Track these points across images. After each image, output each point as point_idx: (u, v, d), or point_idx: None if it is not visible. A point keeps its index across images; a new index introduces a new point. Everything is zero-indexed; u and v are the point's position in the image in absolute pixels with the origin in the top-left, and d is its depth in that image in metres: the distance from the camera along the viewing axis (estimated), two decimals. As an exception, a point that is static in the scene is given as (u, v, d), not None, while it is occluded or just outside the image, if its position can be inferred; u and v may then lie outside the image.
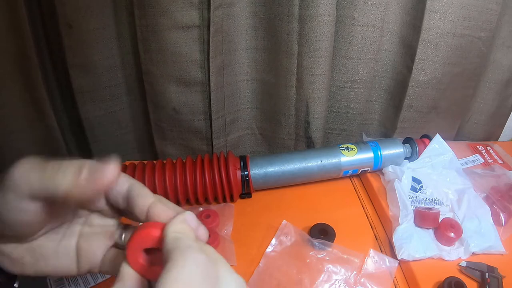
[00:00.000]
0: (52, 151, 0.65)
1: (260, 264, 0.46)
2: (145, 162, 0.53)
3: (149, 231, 0.24)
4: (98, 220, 0.29)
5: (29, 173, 0.23)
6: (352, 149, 0.57)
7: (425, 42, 0.60)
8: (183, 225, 0.24)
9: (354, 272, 0.45)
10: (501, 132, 0.76)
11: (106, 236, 0.28)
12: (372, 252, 0.48)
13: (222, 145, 0.68)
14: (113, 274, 0.26)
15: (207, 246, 0.24)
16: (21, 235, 0.26)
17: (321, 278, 0.44)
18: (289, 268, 0.45)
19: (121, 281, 0.23)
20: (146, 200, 0.25)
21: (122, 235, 0.28)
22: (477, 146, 0.71)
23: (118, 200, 0.26)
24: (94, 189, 0.23)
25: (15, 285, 0.28)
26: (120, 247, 0.28)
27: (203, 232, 0.26)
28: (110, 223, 0.29)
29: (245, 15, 0.59)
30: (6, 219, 0.24)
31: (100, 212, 0.28)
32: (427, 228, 0.50)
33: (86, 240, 0.28)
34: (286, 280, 0.44)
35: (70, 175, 0.23)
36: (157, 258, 0.24)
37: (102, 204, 0.27)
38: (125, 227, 0.29)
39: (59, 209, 0.26)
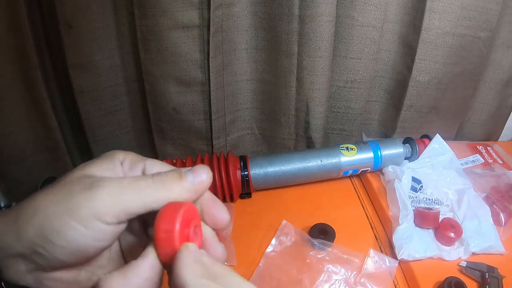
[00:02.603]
0: (52, 151, 0.65)
1: (260, 264, 0.46)
2: (145, 162, 0.53)
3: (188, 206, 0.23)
4: None
5: (121, 195, 0.21)
6: (352, 149, 0.57)
7: (425, 42, 0.60)
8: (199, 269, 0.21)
9: (354, 272, 0.45)
10: (501, 132, 0.76)
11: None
12: (372, 252, 0.48)
13: (222, 145, 0.68)
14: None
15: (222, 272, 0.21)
16: (85, 261, 0.23)
17: (321, 278, 0.44)
18: (289, 268, 0.45)
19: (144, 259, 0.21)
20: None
21: None
22: (477, 146, 0.71)
23: None
24: (199, 192, 0.24)
25: None
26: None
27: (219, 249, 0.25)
28: None
29: (245, 15, 0.59)
30: (71, 250, 0.21)
31: None
32: (427, 228, 0.50)
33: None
34: (286, 280, 0.44)
35: (176, 185, 0.23)
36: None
37: None
38: None
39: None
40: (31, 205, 0.22)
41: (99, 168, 0.24)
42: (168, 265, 0.21)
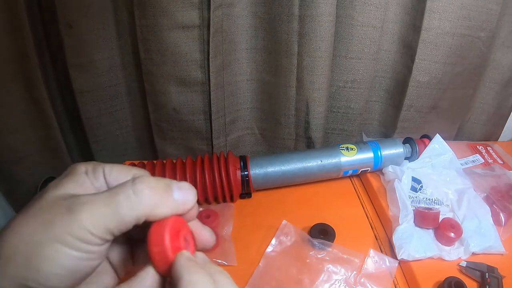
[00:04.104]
0: (52, 151, 0.65)
1: (260, 264, 0.46)
2: (145, 162, 0.53)
3: (175, 220, 0.24)
4: None
5: (102, 216, 0.21)
6: (352, 149, 0.57)
7: (425, 42, 0.60)
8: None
9: (354, 272, 0.45)
10: (501, 132, 0.76)
11: None
12: (372, 252, 0.48)
13: (222, 145, 0.68)
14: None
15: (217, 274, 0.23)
16: (80, 282, 0.22)
17: (321, 278, 0.44)
18: (289, 268, 0.45)
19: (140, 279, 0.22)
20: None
21: None
22: (477, 146, 0.71)
23: None
24: (182, 210, 0.24)
25: None
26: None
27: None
28: None
29: (245, 15, 0.59)
30: (54, 274, 0.20)
31: None
32: (427, 228, 0.50)
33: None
34: (286, 280, 0.44)
35: (161, 200, 0.23)
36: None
37: None
38: None
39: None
40: (12, 235, 0.20)
41: (71, 185, 0.23)
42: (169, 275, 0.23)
